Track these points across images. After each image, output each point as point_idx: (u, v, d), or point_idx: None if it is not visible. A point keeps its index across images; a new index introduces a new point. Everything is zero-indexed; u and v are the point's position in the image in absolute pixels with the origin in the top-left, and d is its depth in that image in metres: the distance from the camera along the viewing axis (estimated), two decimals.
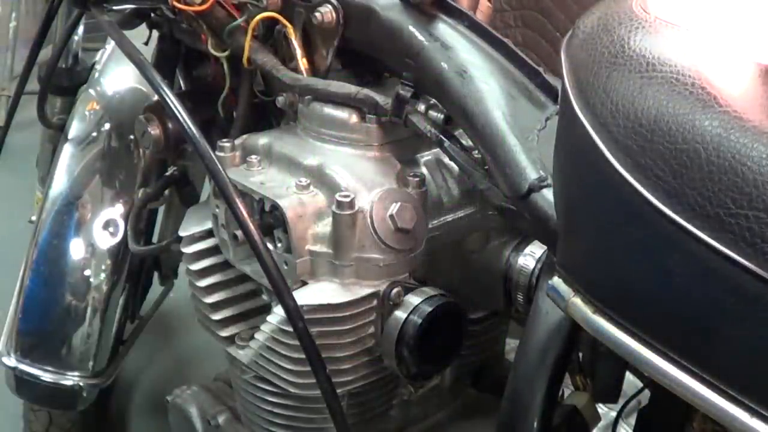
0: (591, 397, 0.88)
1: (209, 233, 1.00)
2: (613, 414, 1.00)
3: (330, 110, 0.96)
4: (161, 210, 1.46)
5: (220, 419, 1.15)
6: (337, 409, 0.86)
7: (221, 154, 0.97)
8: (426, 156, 0.97)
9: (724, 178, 0.52)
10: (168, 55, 1.22)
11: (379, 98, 0.92)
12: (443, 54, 0.89)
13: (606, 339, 0.62)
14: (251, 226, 0.86)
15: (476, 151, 0.87)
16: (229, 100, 1.10)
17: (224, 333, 0.99)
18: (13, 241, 1.68)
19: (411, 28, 0.92)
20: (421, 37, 0.91)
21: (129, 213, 1.33)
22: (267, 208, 0.91)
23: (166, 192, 1.32)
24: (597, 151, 0.59)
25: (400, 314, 0.89)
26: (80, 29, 1.56)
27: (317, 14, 0.96)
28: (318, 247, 0.89)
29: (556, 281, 0.67)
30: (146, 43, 1.19)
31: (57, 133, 1.52)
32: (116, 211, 1.40)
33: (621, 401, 0.92)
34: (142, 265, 1.49)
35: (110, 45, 1.51)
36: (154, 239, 1.47)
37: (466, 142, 0.89)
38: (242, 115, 1.08)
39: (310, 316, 0.86)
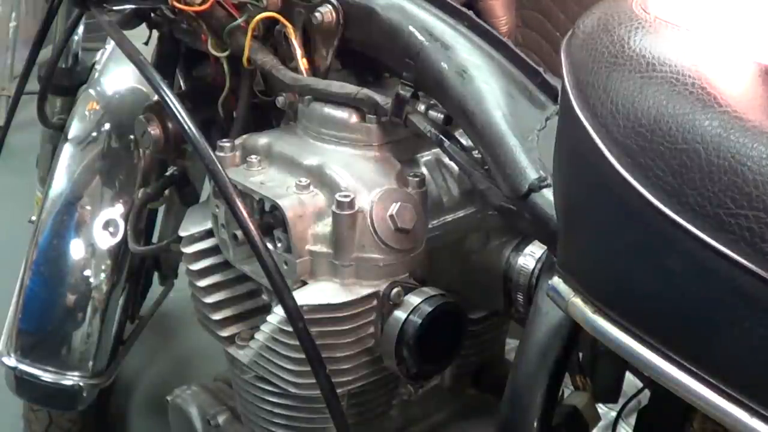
0: (591, 397, 0.88)
1: (209, 233, 1.00)
2: (613, 414, 1.01)
3: (330, 110, 0.96)
4: (161, 210, 1.46)
5: (220, 419, 1.15)
6: (337, 409, 0.86)
7: (221, 154, 0.97)
8: (426, 156, 0.97)
9: (724, 178, 0.52)
10: (168, 55, 1.22)
11: (379, 98, 0.92)
12: (443, 54, 0.89)
13: (606, 339, 0.62)
14: (251, 226, 0.86)
15: (476, 151, 0.87)
16: (229, 100, 1.10)
17: (224, 333, 0.99)
18: (13, 241, 1.68)
19: (411, 28, 0.92)
20: (421, 37, 0.90)
21: (129, 213, 1.33)
22: (267, 208, 0.91)
23: (166, 192, 1.32)
24: (597, 151, 0.59)
25: (400, 314, 0.89)
26: (80, 29, 1.56)
27: (317, 14, 0.96)
28: (318, 247, 0.89)
29: (556, 281, 0.67)
30: (146, 43, 1.19)
31: (57, 133, 1.52)
32: (116, 211, 1.40)
33: (621, 401, 0.92)
34: (142, 265, 1.49)
35: (110, 45, 1.51)
36: (154, 239, 1.47)
37: (466, 142, 0.89)
38: (242, 115, 1.07)
39: (310, 316, 0.86)
